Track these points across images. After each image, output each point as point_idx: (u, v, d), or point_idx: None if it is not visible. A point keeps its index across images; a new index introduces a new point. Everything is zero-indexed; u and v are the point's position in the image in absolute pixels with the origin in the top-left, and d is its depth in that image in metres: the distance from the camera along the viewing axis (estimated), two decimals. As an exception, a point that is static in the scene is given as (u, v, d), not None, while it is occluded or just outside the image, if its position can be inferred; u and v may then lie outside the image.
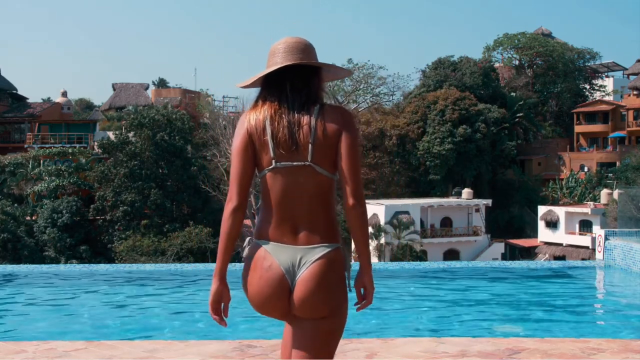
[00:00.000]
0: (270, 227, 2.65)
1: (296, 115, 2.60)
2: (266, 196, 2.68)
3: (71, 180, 43.32)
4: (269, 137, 2.59)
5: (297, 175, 2.61)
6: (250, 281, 2.69)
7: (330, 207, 2.66)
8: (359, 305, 2.73)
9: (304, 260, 2.59)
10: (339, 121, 2.61)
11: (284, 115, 2.61)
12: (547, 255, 43.92)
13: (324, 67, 2.72)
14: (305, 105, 2.62)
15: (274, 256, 2.62)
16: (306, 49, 2.68)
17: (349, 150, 2.59)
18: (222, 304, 2.75)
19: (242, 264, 2.83)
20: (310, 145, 2.58)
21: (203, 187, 42.76)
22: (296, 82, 2.65)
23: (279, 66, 2.62)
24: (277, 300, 2.63)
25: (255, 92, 2.76)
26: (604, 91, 73.27)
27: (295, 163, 2.59)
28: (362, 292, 2.72)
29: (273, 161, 2.60)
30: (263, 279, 2.64)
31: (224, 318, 2.76)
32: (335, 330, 2.68)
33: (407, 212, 41.58)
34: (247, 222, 44.40)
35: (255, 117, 2.64)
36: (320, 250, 2.60)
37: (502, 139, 54.93)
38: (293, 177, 2.61)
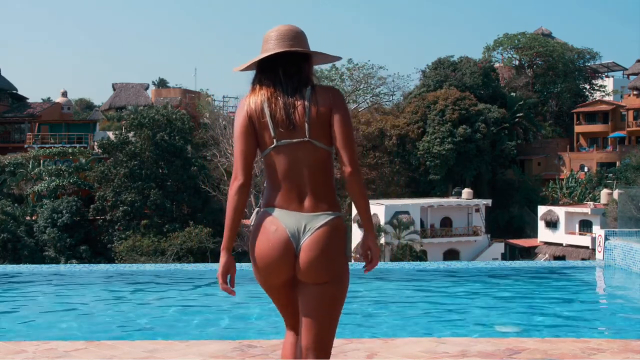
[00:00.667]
0: (276, 196, 2.85)
1: (290, 97, 2.83)
2: (271, 173, 2.88)
3: (71, 180, 43.32)
4: (268, 118, 2.81)
5: (297, 150, 2.82)
6: (258, 244, 2.84)
7: (330, 177, 2.89)
8: (366, 267, 2.92)
9: (309, 226, 2.79)
10: (330, 100, 2.84)
11: (279, 98, 2.83)
12: (547, 255, 43.92)
13: (311, 53, 2.92)
14: (298, 88, 2.84)
15: (280, 221, 2.81)
16: (297, 37, 2.89)
17: (341, 124, 2.82)
18: (230, 275, 2.90)
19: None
20: (306, 123, 2.80)
21: (203, 187, 42.76)
22: (288, 68, 2.87)
23: (271, 52, 2.84)
24: (283, 261, 2.80)
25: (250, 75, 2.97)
26: (604, 91, 73.27)
27: (295, 140, 2.81)
28: (368, 255, 2.91)
29: (274, 140, 2.82)
30: (270, 241, 2.81)
31: (232, 288, 2.92)
32: (338, 296, 2.84)
33: (407, 212, 41.59)
34: (247, 221, 44.39)
35: (254, 100, 2.85)
36: (323, 218, 2.80)
37: (502, 139, 54.93)
38: (294, 152, 2.83)
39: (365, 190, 2.87)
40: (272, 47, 2.87)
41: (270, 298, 3.02)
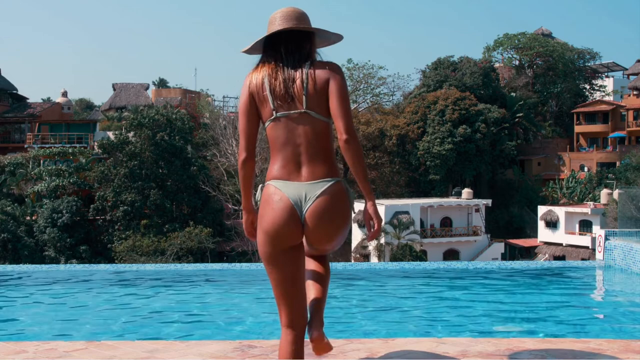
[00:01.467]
0: (277, 168, 3.02)
1: (290, 72, 2.99)
2: (272, 144, 3.05)
3: (71, 180, 43.32)
4: (267, 92, 2.99)
5: (295, 122, 2.98)
6: (264, 214, 3.01)
7: (328, 147, 3.04)
8: (369, 235, 3.11)
9: (309, 195, 2.96)
10: (327, 72, 2.99)
11: (279, 73, 2.99)
12: (546, 255, 43.92)
13: (314, 31, 3.07)
14: (298, 64, 3.01)
15: (282, 191, 2.98)
16: (300, 17, 3.05)
17: (337, 94, 2.96)
18: (255, 228, 3.19)
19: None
20: (304, 96, 2.96)
21: (203, 187, 42.74)
22: (290, 45, 3.03)
23: (275, 29, 3.00)
24: (288, 227, 2.96)
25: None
26: (604, 91, 73.27)
27: (292, 112, 2.98)
28: (370, 223, 3.07)
29: (273, 112, 3.00)
30: (275, 209, 2.97)
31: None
32: (337, 247, 3.16)
33: (407, 212, 41.58)
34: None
35: (255, 77, 3.04)
36: (322, 185, 2.97)
37: (502, 139, 54.92)
38: (292, 124, 2.98)
39: (362, 157, 2.98)
40: (276, 27, 3.01)
41: (272, 279, 3.08)
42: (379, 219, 3.07)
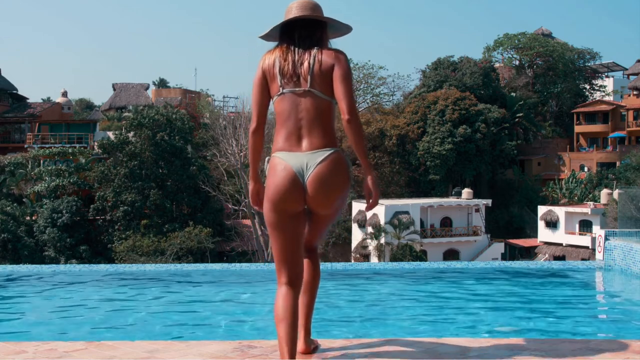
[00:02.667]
0: (281, 141, 3.32)
1: (299, 55, 3.32)
2: (278, 118, 3.35)
3: (71, 180, 43.32)
4: (277, 71, 3.32)
5: (299, 99, 3.30)
6: (269, 183, 3.30)
7: (328, 123, 3.32)
8: (367, 206, 3.42)
9: (310, 163, 3.25)
10: (332, 57, 3.30)
11: (289, 55, 3.32)
12: (546, 255, 43.91)
13: (326, 20, 3.38)
14: (309, 48, 3.32)
15: (286, 161, 3.27)
16: (315, 7, 3.38)
17: (341, 78, 3.25)
18: (260, 198, 3.47)
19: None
20: (309, 76, 3.28)
21: (203, 187, 42.73)
22: (303, 32, 3.36)
23: (291, 17, 3.32)
24: (292, 193, 3.24)
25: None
26: (604, 91, 73.26)
27: (297, 89, 3.30)
28: (370, 195, 3.37)
29: (280, 88, 3.32)
30: (280, 177, 3.26)
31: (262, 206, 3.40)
32: (334, 218, 3.45)
33: (407, 212, 41.57)
34: (247, 222, 44.44)
35: (269, 57, 3.38)
36: (321, 154, 3.26)
37: (502, 139, 54.91)
38: (296, 99, 3.30)
39: (362, 135, 3.28)
40: (292, 15, 3.34)
41: (276, 243, 3.34)
42: (377, 192, 3.36)
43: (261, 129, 3.39)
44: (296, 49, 3.33)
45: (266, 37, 3.46)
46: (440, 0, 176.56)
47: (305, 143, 3.28)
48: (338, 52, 3.33)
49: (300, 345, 3.36)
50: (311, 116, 3.28)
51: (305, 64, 3.29)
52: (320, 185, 3.23)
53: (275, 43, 3.45)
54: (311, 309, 3.46)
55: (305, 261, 3.47)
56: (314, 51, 3.31)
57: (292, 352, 3.13)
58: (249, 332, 5.74)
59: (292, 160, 3.26)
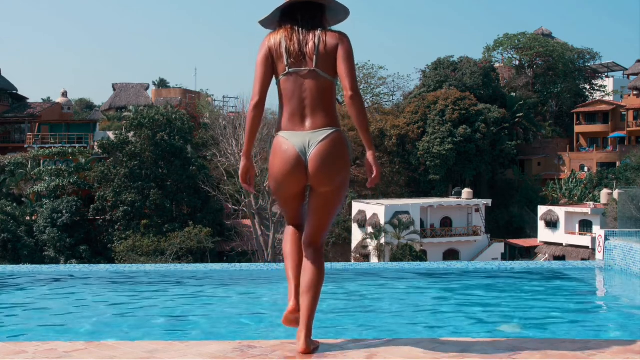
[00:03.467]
0: (285, 121, 3.43)
1: (304, 35, 3.43)
2: (282, 97, 3.47)
3: (71, 180, 43.31)
4: (283, 50, 3.41)
5: (304, 78, 3.40)
6: (273, 163, 3.45)
7: (330, 103, 3.44)
8: (369, 181, 3.51)
9: (312, 141, 3.37)
10: (336, 38, 3.43)
11: (295, 35, 3.43)
12: (546, 255, 43.92)
13: (325, 2, 3.49)
14: (312, 29, 3.44)
15: (289, 140, 3.39)
16: None
17: (344, 57, 3.38)
18: (249, 176, 3.55)
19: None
20: (314, 55, 3.39)
21: (203, 187, 42.73)
22: (305, 14, 3.47)
23: (292, 0, 3.43)
24: (294, 172, 3.39)
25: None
26: (604, 91, 73.27)
27: (302, 68, 3.40)
28: (371, 171, 3.46)
29: (287, 68, 3.41)
30: (283, 158, 3.40)
31: (252, 186, 3.56)
32: (336, 199, 3.49)
33: (407, 212, 41.58)
34: (247, 222, 44.42)
35: (274, 37, 3.47)
36: (323, 133, 3.38)
37: (502, 139, 54.91)
38: (301, 80, 3.41)
39: (364, 111, 3.41)
40: None
41: (284, 211, 3.64)
42: (378, 167, 3.46)
43: (263, 103, 3.46)
44: (301, 29, 3.44)
45: (266, 23, 3.57)
46: (440, 0, 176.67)
47: (308, 122, 3.40)
48: (341, 34, 3.46)
49: (300, 345, 3.37)
50: (314, 96, 3.40)
51: (310, 43, 3.40)
52: (322, 162, 3.36)
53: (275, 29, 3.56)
54: (313, 310, 3.45)
55: (309, 263, 3.52)
56: (318, 32, 3.43)
57: (297, 288, 3.49)
58: (249, 332, 5.74)
59: (294, 139, 3.38)
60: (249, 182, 3.54)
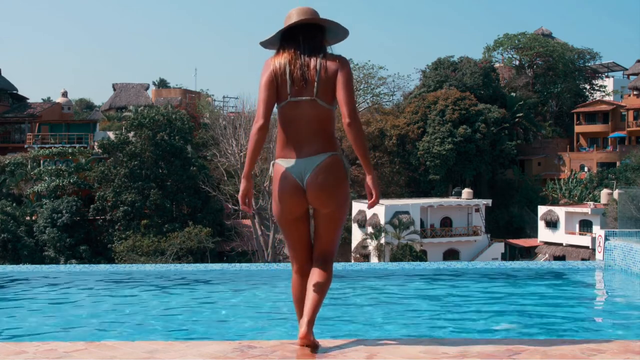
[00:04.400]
0: (284, 147, 3.56)
1: (306, 59, 3.50)
2: (282, 124, 3.57)
3: (71, 180, 43.29)
4: (287, 77, 3.49)
5: (304, 107, 3.50)
6: (275, 190, 3.60)
7: (328, 130, 3.56)
8: (368, 203, 3.65)
9: (309, 167, 3.50)
10: (336, 64, 3.51)
11: (298, 60, 3.50)
12: (547, 255, 43.91)
13: (326, 23, 3.58)
14: (313, 53, 3.52)
15: (286, 168, 3.53)
16: (314, 13, 3.58)
17: (343, 84, 3.47)
18: (247, 198, 3.61)
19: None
20: (315, 82, 3.47)
21: (203, 187, 42.72)
22: (307, 35, 3.55)
23: (295, 20, 3.52)
24: (294, 200, 3.53)
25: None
26: (604, 91, 73.25)
27: (304, 98, 3.49)
28: (371, 194, 3.60)
29: (289, 96, 3.50)
30: (281, 185, 3.55)
31: (250, 207, 3.64)
32: (338, 217, 3.64)
33: (407, 212, 41.58)
34: (247, 222, 44.44)
35: (278, 61, 3.54)
36: (318, 158, 3.51)
37: (502, 139, 54.91)
38: (301, 108, 3.50)
39: (363, 137, 3.51)
40: (293, 20, 3.53)
41: (286, 238, 3.72)
42: (377, 191, 3.60)
43: (267, 126, 3.51)
44: (303, 55, 3.51)
45: (267, 44, 3.63)
46: (440, 0, 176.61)
47: (305, 149, 3.51)
48: (341, 59, 3.54)
49: (302, 330, 3.45)
50: (313, 124, 3.51)
51: (312, 68, 3.48)
52: (319, 187, 3.49)
53: (275, 50, 3.63)
54: (317, 304, 3.54)
55: (318, 269, 3.65)
56: (320, 57, 3.51)
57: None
58: (248, 333, 5.74)
59: (292, 167, 3.52)
60: (248, 204, 3.61)
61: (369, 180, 3.58)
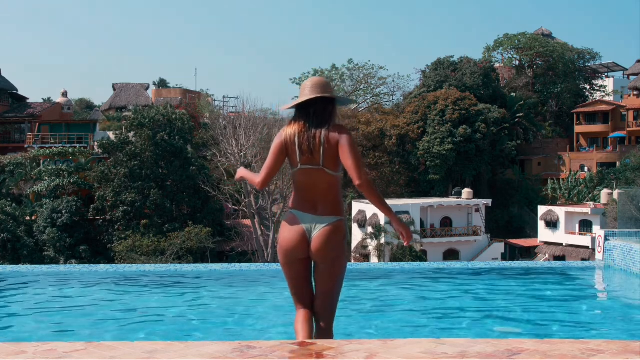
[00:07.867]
0: (298, 201, 4.05)
1: (314, 132, 3.98)
2: (295, 185, 4.09)
3: (71, 180, 43.29)
4: (296, 147, 3.99)
5: (313, 174, 3.99)
6: (282, 233, 4.07)
7: (336, 193, 4.04)
8: (405, 242, 4.03)
9: (318, 225, 4.00)
10: (337, 133, 3.97)
11: (306, 132, 3.98)
12: (547, 255, 43.91)
13: (335, 98, 4.06)
14: (320, 126, 3.99)
15: (299, 218, 4.03)
16: (326, 86, 4.07)
17: (346, 152, 3.92)
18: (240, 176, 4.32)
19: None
20: (321, 152, 3.95)
21: (203, 187, 42.71)
22: (317, 109, 4.02)
23: (307, 94, 4.02)
24: (299, 245, 4.00)
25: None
26: (604, 91, 73.26)
27: (312, 166, 3.98)
28: (402, 235, 4.00)
29: (299, 164, 4.00)
30: (291, 231, 4.03)
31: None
32: (338, 273, 4.06)
33: (407, 212, 41.57)
34: (247, 222, 44.44)
35: (289, 131, 4.04)
36: (327, 219, 4.00)
37: (502, 139, 54.91)
38: (311, 175, 4.00)
39: (375, 192, 3.94)
40: (307, 94, 4.02)
41: (287, 278, 4.12)
42: (407, 230, 4.03)
43: (265, 185, 4.16)
44: (311, 125, 3.98)
45: (285, 110, 4.22)
46: (440, 0, 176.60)
47: (317, 208, 4.01)
48: (341, 129, 3.99)
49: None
50: (323, 189, 4.01)
51: (318, 140, 3.95)
52: (322, 243, 3.98)
53: (294, 113, 4.15)
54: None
55: (318, 333, 4.05)
56: (324, 130, 3.96)
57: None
58: (248, 333, 5.74)
59: (304, 219, 4.02)
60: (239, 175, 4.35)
61: (396, 224, 4.02)
